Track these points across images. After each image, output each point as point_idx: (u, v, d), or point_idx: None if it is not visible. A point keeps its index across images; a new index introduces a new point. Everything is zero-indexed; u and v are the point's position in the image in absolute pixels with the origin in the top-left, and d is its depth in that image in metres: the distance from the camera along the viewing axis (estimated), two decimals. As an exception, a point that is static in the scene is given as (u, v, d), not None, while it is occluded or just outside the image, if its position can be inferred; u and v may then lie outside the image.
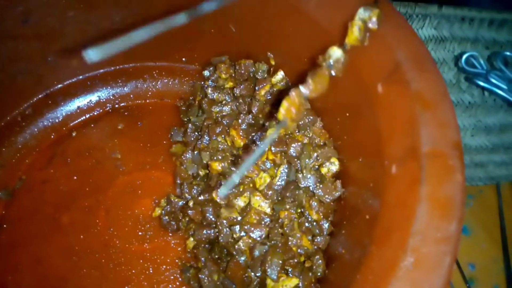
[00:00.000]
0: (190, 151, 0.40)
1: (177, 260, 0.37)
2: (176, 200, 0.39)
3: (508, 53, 0.39)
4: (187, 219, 0.38)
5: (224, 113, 0.41)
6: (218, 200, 0.35)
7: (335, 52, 0.27)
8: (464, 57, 0.39)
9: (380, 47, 0.30)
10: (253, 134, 0.37)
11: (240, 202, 0.36)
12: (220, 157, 0.37)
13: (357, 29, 0.28)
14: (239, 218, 0.36)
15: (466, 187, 0.41)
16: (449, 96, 0.26)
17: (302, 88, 0.25)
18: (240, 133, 0.38)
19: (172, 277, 0.36)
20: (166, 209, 0.38)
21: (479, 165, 0.43)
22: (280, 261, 0.32)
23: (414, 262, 0.19)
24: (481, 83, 0.38)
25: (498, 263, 0.38)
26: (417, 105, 0.25)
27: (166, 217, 0.38)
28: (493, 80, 0.37)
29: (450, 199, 0.21)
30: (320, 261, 0.32)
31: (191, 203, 0.37)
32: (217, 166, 0.37)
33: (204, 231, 0.36)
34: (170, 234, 0.38)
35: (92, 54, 0.17)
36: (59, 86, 0.44)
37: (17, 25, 0.39)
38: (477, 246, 0.39)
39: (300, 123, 0.37)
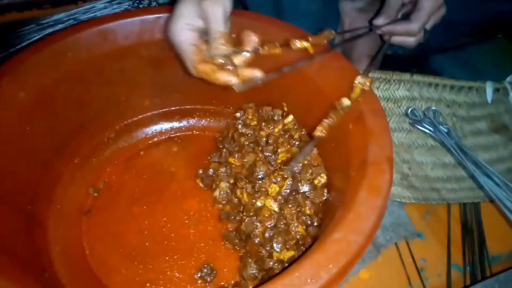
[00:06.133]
0: (224, 167, 0.57)
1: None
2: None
3: (434, 108, 0.56)
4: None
5: (247, 142, 0.58)
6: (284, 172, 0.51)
7: (346, 101, 0.45)
8: (410, 110, 0.56)
9: (352, 103, 0.46)
10: (268, 154, 0.54)
11: (258, 203, 0.52)
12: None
13: (358, 89, 0.45)
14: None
15: (424, 206, 0.56)
16: (389, 130, 0.42)
17: (328, 120, 0.43)
18: (260, 155, 0.55)
19: (208, 247, 0.52)
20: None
21: (435, 189, 0.58)
22: (282, 240, 0.48)
23: (353, 216, 0.35)
24: (418, 127, 0.54)
25: (443, 260, 0.52)
26: (369, 136, 0.42)
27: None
28: (425, 125, 0.53)
29: (380, 187, 0.37)
30: (310, 240, 0.47)
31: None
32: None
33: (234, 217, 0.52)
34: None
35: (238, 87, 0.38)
36: (134, 119, 0.62)
37: (115, 76, 0.57)
38: (429, 247, 0.53)
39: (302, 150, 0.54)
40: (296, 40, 0.47)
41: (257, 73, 0.43)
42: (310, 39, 0.48)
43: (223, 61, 0.42)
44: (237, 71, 0.43)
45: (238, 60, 0.44)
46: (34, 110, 0.48)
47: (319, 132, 0.44)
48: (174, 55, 0.57)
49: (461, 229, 0.55)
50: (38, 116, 0.49)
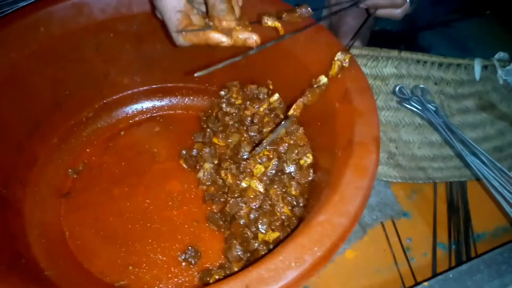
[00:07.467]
0: (208, 148, 0.55)
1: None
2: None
3: (422, 86, 0.55)
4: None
5: (232, 122, 0.56)
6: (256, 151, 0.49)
7: (323, 79, 0.43)
8: (397, 88, 0.55)
9: (338, 81, 0.45)
10: (253, 134, 0.52)
11: (243, 184, 0.51)
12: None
13: (337, 66, 0.44)
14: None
15: (411, 185, 0.55)
16: (376, 109, 0.41)
17: (303, 99, 0.41)
18: (244, 135, 0.53)
19: (192, 229, 0.51)
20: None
21: (422, 169, 0.57)
22: (267, 221, 0.47)
23: (339, 198, 0.34)
24: (406, 105, 0.53)
25: (429, 238, 0.52)
26: (355, 115, 0.40)
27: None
28: (413, 103, 0.52)
29: (366, 167, 0.36)
30: (295, 221, 0.46)
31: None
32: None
33: (218, 198, 0.51)
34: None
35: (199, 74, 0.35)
36: (114, 97, 0.60)
37: (91, 52, 0.54)
38: (415, 226, 0.53)
39: (289, 130, 0.52)
40: (268, 18, 0.45)
41: (254, 36, 0.42)
42: (284, 15, 0.46)
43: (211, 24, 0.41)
44: (231, 32, 0.41)
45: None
46: (3, 89, 0.45)
47: (293, 111, 0.42)
48: (152, 30, 0.55)
49: (447, 208, 0.54)
50: (8, 95, 0.46)
